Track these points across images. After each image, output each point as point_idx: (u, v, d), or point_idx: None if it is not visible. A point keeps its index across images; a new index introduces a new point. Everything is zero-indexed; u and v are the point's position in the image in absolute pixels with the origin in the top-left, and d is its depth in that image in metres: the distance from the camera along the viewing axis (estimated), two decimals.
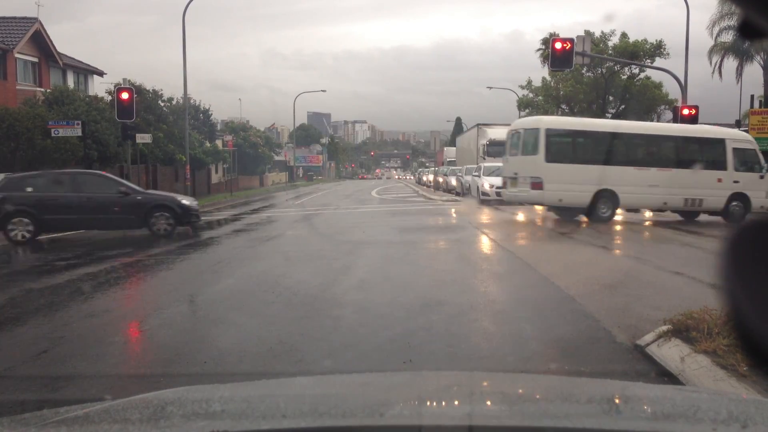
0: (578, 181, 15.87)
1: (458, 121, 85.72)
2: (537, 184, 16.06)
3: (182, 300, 7.72)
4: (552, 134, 16.39)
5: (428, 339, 5.57)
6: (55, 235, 15.26)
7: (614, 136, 17.04)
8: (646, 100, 44.11)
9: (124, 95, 20.48)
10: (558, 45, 19.86)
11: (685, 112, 20.57)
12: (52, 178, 15.35)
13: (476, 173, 28.03)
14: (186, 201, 15.63)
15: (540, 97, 48.90)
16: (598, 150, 16.59)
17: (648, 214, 18.43)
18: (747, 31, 0.80)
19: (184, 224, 15.26)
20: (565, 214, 17.20)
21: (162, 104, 32.86)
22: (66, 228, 15.26)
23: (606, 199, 16.23)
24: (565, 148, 16.78)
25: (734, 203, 16.76)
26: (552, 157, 16.10)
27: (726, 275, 0.75)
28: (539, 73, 66.63)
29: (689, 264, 9.51)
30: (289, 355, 5.11)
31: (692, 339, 4.70)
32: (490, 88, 64.18)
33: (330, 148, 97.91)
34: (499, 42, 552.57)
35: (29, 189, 14.40)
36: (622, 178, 16.14)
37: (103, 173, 16.52)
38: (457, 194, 32.87)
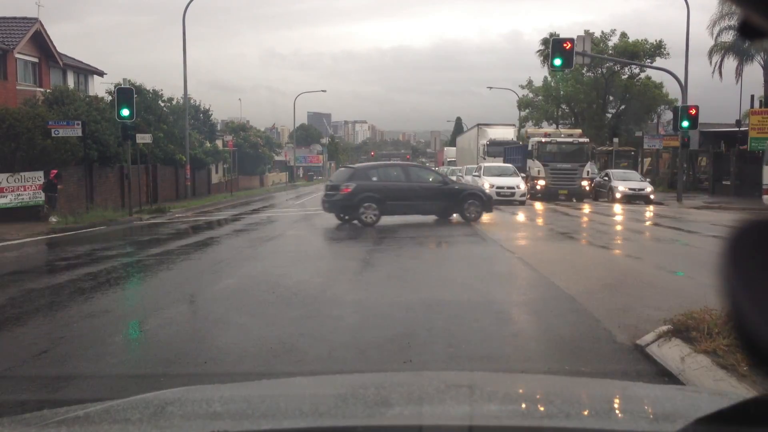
0: None
1: (458, 121, 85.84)
2: None
3: (182, 299, 7.72)
4: None
5: (428, 339, 5.57)
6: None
7: None
8: (646, 100, 44.14)
9: (125, 95, 20.49)
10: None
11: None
12: (388, 168, 17.64)
13: (476, 173, 28.03)
14: (488, 191, 17.36)
15: (540, 97, 48.96)
16: None
17: (648, 213, 18.49)
18: (747, 31, 0.80)
19: (488, 211, 16.46)
20: None
21: (162, 104, 32.82)
22: (398, 212, 16.37)
23: None
24: None
25: None
26: None
27: (726, 275, 0.75)
28: (539, 73, 66.78)
29: (689, 264, 9.50)
30: (289, 355, 5.11)
31: (692, 339, 4.70)
32: (490, 88, 64.31)
33: (330, 148, 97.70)
34: (498, 42, 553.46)
35: (374, 178, 16.00)
36: None
37: (425, 165, 18.25)
38: None
